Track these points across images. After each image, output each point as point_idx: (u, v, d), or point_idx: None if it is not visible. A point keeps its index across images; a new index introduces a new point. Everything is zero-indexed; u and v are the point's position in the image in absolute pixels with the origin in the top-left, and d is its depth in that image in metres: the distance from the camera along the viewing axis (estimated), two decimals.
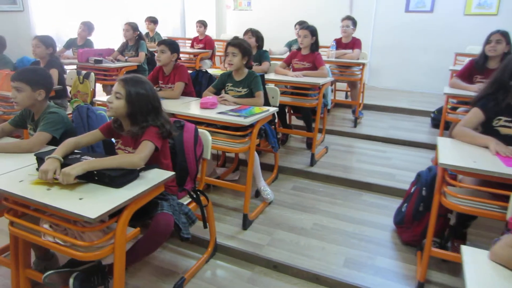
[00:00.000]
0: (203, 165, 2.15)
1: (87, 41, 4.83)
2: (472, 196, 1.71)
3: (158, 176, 1.61)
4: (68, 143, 1.67)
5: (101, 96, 3.90)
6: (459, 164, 1.68)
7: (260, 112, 2.53)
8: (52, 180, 1.47)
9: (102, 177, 1.49)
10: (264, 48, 3.94)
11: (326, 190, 3.07)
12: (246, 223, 2.50)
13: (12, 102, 2.06)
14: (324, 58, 3.91)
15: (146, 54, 4.66)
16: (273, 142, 2.83)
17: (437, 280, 2.05)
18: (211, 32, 6.88)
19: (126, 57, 4.65)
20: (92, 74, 3.57)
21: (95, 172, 1.49)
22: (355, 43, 4.57)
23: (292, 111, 4.04)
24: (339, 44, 4.61)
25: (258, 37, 3.84)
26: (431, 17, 5.98)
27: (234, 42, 2.78)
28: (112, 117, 1.80)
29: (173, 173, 1.66)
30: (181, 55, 5.75)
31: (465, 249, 1.17)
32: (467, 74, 3.23)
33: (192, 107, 2.70)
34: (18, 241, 1.67)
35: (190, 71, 3.18)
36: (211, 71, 3.54)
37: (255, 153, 2.67)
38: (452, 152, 1.84)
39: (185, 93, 3.03)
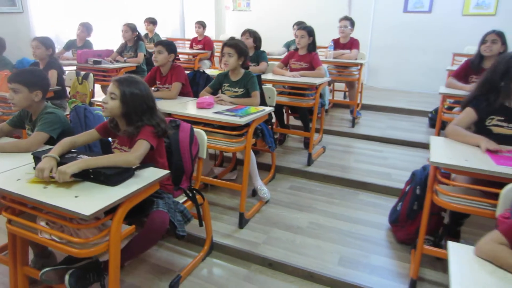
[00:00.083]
0: (199, 164, 2.17)
1: (86, 42, 4.86)
2: (463, 194, 1.73)
3: (153, 174, 1.63)
4: (65, 142, 1.70)
5: (100, 96, 3.90)
6: (451, 162, 1.70)
7: (256, 112, 2.55)
8: (49, 179, 1.50)
9: (98, 176, 1.51)
10: (262, 49, 3.96)
11: (323, 190, 3.09)
12: (242, 222, 2.52)
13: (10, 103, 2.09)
14: (322, 58, 3.93)
15: (145, 55, 4.68)
16: (270, 142, 2.85)
17: (430, 278, 2.07)
18: (210, 33, 6.90)
19: (125, 58, 4.69)
20: (91, 75, 3.60)
21: (91, 171, 1.51)
22: (353, 44, 4.59)
23: (289, 111, 4.07)
24: (337, 44, 4.63)
25: (255, 37, 3.86)
26: (429, 17, 5.99)
27: (230, 43, 2.81)
28: (108, 117, 1.82)
29: (168, 171, 1.68)
30: (180, 56, 5.82)
31: (451, 245, 1.19)
32: (463, 74, 3.24)
33: (189, 107, 2.72)
34: (16, 239, 1.69)
35: (187, 72, 3.20)
36: (210, 71, 3.56)
37: (252, 152, 2.69)
38: (445, 151, 1.86)
39: (183, 93, 3.05)
